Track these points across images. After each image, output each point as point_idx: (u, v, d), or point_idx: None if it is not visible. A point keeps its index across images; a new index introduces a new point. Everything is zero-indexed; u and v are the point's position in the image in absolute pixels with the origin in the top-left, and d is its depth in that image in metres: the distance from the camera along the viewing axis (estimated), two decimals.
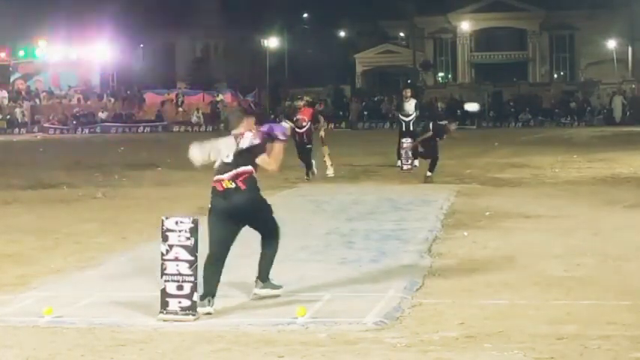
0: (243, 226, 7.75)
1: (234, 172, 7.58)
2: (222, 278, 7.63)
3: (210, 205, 7.69)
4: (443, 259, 9.77)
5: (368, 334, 6.74)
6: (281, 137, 7.78)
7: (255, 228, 7.86)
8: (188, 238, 7.06)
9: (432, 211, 13.53)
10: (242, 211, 7.60)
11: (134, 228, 12.40)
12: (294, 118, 18.50)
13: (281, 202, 15.33)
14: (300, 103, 19.15)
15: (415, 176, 19.72)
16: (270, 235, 7.89)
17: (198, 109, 55.13)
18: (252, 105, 56.86)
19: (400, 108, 22.80)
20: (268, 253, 7.91)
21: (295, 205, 14.65)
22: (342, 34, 75.57)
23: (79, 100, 58.00)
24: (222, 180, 7.59)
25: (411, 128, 21.66)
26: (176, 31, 71.01)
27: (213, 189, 7.65)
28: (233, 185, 7.57)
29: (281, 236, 7.94)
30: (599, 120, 50.14)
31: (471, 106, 35.48)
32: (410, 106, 22.15)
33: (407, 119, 22.00)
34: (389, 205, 14.40)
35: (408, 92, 22.74)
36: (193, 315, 7.08)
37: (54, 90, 59.51)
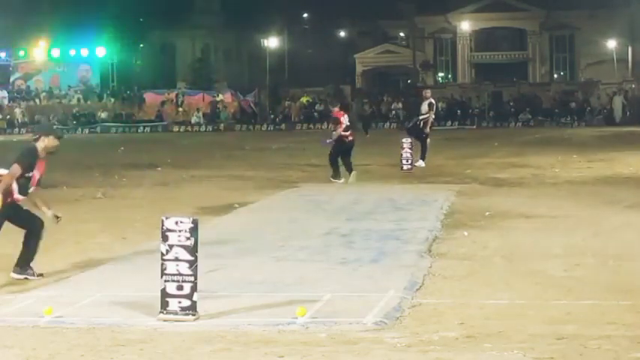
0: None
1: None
2: (223, 278, 8.22)
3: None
4: (443, 259, 9.77)
5: (368, 334, 6.73)
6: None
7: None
8: (188, 238, 7.05)
9: (432, 211, 13.53)
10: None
11: (134, 228, 12.39)
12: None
13: (281, 202, 15.37)
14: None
15: (415, 176, 19.75)
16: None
17: (198, 109, 55.08)
18: (252, 105, 56.87)
19: (418, 112, 23.52)
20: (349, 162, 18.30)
21: (295, 205, 14.64)
22: (342, 34, 75.58)
23: (79, 100, 57.99)
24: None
25: (421, 126, 22.61)
26: (176, 31, 71.03)
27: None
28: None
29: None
30: (599, 120, 50.02)
31: None
32: (424, 106, 22.84)
33: (420, 118, 22.85)
34: (389, 205, 14.39)
35: (428, 93, 23.66)
36: (193, 315, 7.08)
37: (54, 90, 59.51)
